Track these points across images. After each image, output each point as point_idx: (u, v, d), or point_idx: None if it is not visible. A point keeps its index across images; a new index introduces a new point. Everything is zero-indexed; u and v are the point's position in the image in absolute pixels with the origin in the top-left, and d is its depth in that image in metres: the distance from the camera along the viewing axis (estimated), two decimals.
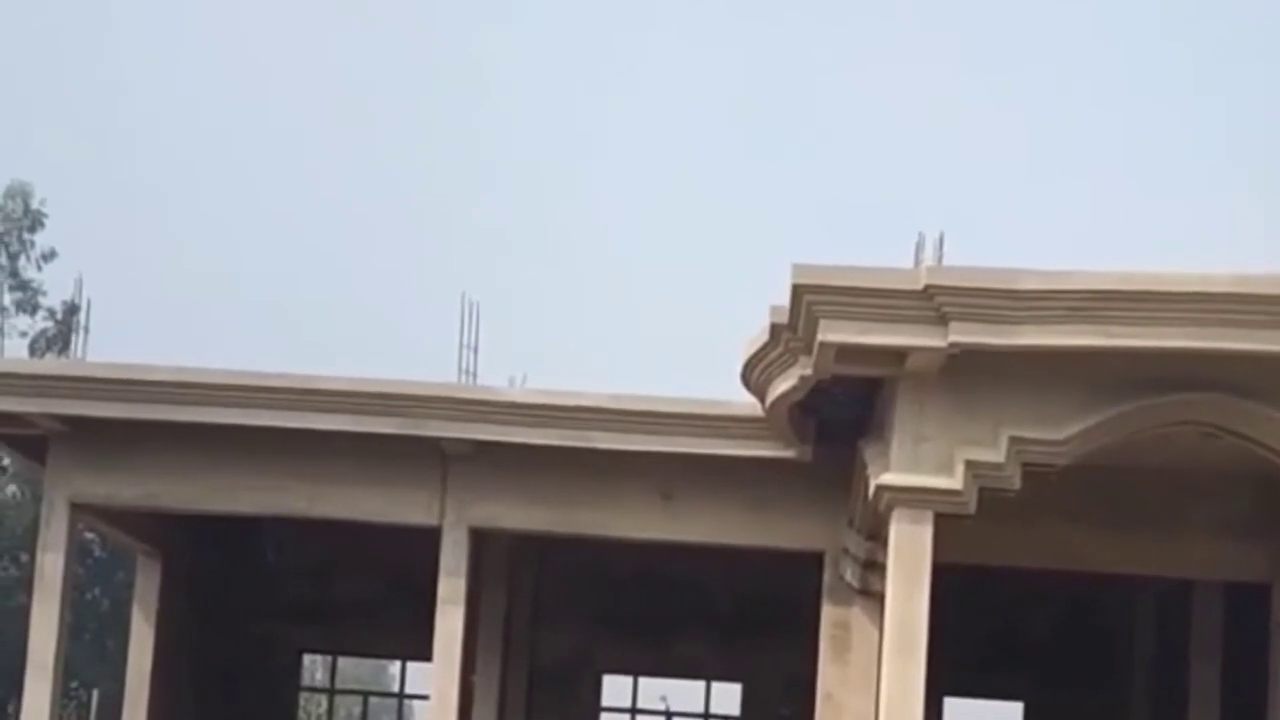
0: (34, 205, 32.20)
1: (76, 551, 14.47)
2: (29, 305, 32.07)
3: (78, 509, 13.75)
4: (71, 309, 14.59)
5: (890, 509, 10.82)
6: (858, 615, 12.75)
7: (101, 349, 13.96)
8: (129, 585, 17.18)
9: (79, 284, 13.98)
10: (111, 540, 21.28)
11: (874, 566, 12.20)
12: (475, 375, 13.38)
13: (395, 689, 19.63)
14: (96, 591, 29.80)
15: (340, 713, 23.47)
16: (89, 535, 21.37)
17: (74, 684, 25.41)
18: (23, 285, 32.20)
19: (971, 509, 10.78)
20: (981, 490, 10.74)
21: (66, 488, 13.65)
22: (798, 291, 10.55)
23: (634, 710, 17.93)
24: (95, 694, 22.14)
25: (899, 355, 10.56)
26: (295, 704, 18.34)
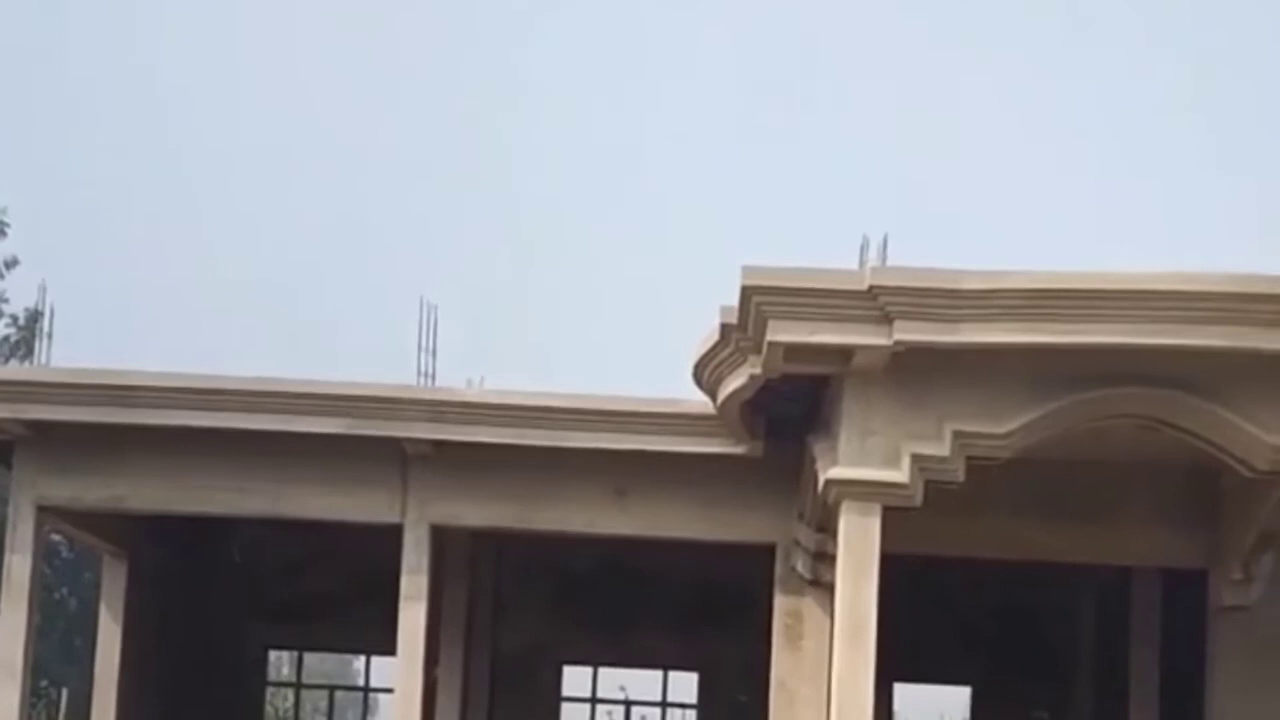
0: None
1: (44, 553, 14.65)
2: None
3: (44, 511, 13.93)
4: (34, 315, 14.72)
5: (839, 502, 11.11)
6: (809, 605, 13.04)
7: (65, 354, 14.15)
8: (97, 585, 17.33)
9: (42, 290, 14.16)
10: (78, 541, 21.42)
11: (824, 558, 12.49)
12: (433, 377, 13.64)
13: (360, 683, 19.85)
14: (64, 591, 29.88)
15: (307, 707, 23.63)
16: (56, 537, 21.47)
17: (43, 683, 25.52)
18: None
19: (918, 501, 11.07)
20: (927, 483, 11.02)
21: (32, 491, 13.83)
22: (746, 293, 10.83)
23: (594, 700, 18.22)
24: (64, 692, 22.24)
25: (845, 353, 10.84)
26: (262, 699, 18.56)
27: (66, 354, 14.18)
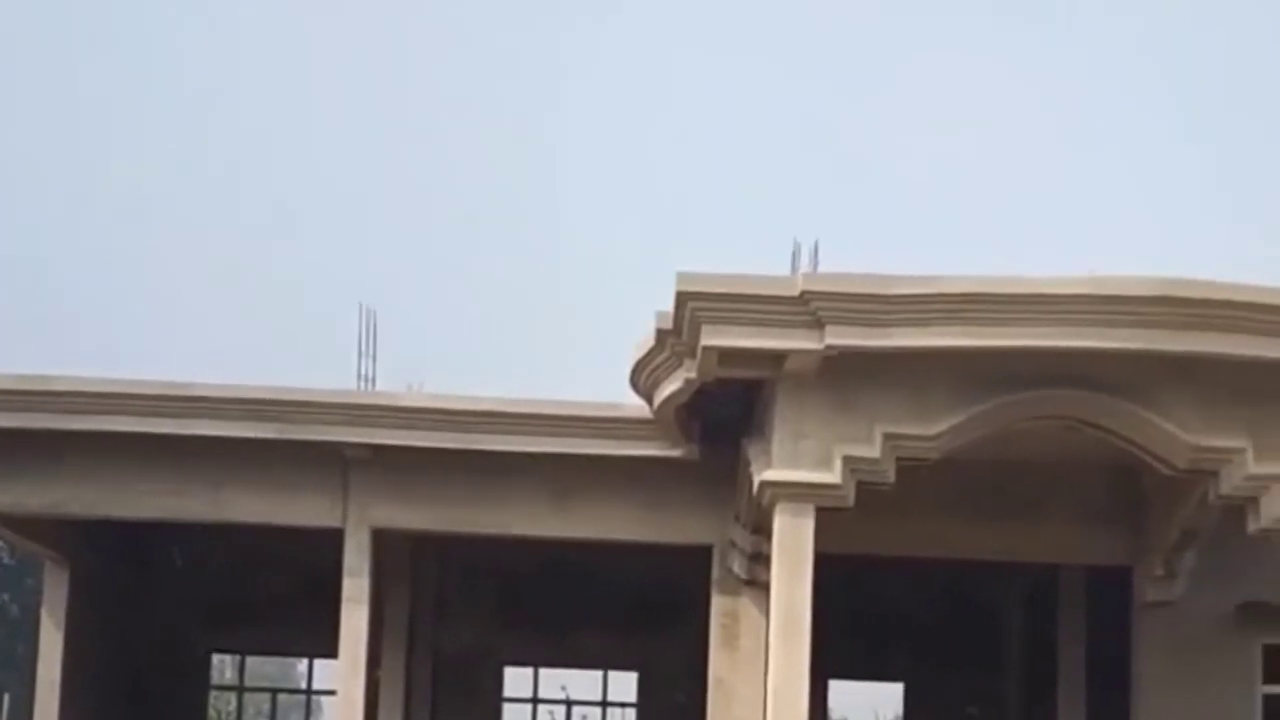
0: None
1: None
2: None
3: None
4: None
5: (773, 503, 11.33)
6: (745, 605, 13.25)
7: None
8: (39, 591, 17.35)
9: None
10: (20, 548, 21.37)
11: (760, 558, 12.70)
12: (373, 381, 13.76)
13: (303, 686, 19.90)
14: (6, 598, 29.80)
15: (249, 710, 23.65)
16: None
17: None
18: None
19: (850, 502, 11.30)
20: (859, 484, 11.26)
21: None
22: (681, 298, 11.03)
23: (535, 700, 18.36)
24: (6, 698, 22.21)
25: (778, 357, 11.07)
26: (205, 703, 18.58)
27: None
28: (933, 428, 11.18)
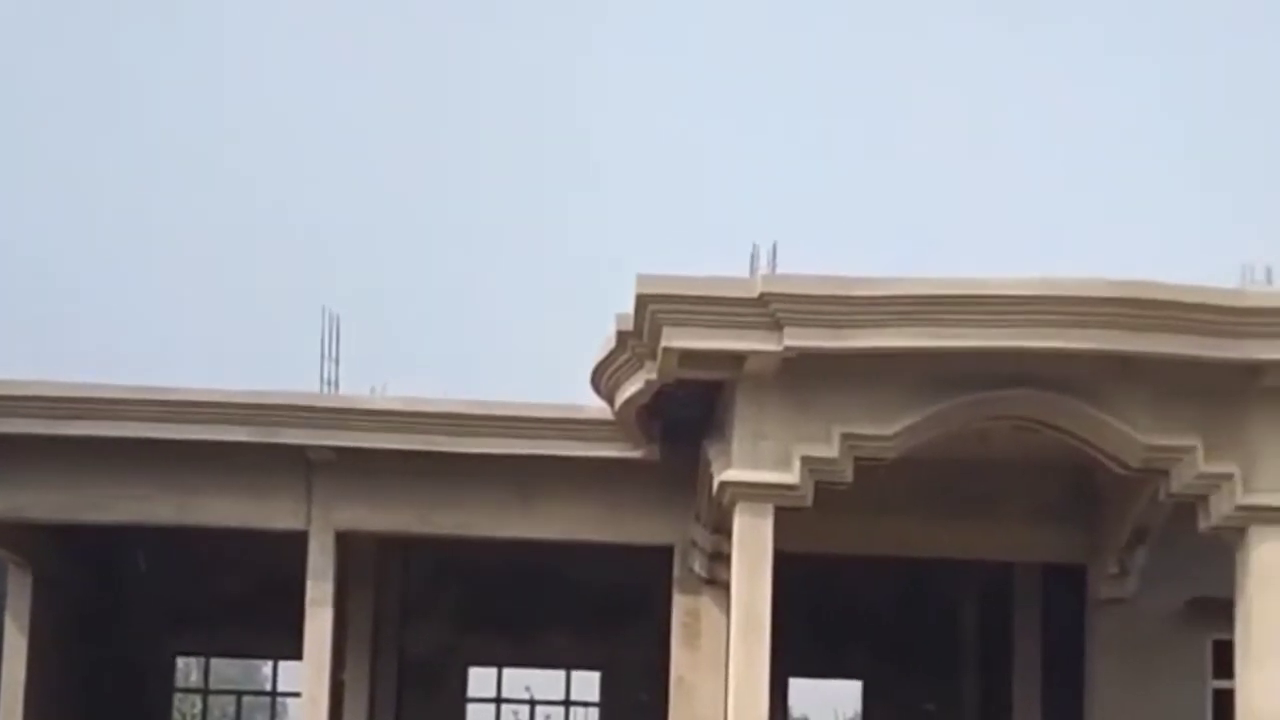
0: None
1: None
2: None
3: None
4: None
5: (733, 503, 11.45)
6: (706, 604, 13.38)
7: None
8: (1, 595, 17.34)
9: None
10: None
11: (720, 558, 12.83)
12: (337, 384, 13.83)
13: (268, 688, 19.94)
14: None
15: (215, 712, 23.66)
16: None
17: None
18: None
19: (809, 501, 11.43)
20: (817, 483, 11.39)
21: None
22: (641, 300, 11.15)
23: (498, 700, 18.45)
24: None
25: (738, 359, 11.20)
26: (170, 705, 18.60)
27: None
28: (890, 428, 11.32)
